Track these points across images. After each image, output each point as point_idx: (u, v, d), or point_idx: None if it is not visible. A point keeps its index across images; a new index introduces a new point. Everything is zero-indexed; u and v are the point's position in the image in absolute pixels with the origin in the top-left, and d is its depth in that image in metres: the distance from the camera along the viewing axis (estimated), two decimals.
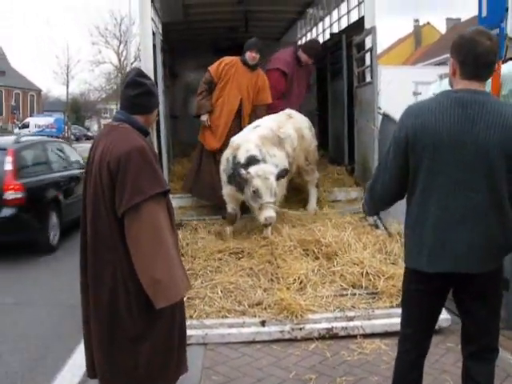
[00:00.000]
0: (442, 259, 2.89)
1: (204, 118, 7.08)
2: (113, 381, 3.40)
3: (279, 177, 5.98)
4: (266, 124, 6.67)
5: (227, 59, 7.15)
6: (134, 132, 3.34)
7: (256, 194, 5.81)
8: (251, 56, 7.03)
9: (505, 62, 6.22)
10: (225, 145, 6.72)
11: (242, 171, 5.86)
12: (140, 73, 3.49)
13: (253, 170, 5.86)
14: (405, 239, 3.13)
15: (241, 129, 6.90)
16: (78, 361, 4.61)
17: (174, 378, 3.57)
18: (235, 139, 6.35)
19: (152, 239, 3.15)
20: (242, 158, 6.04)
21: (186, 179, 7.40)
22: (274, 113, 7.09)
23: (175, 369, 3.53)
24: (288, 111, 7.12)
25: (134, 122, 3.38)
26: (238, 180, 5.98)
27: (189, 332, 4.75)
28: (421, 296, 3.07)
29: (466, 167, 2.82)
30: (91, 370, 3.51)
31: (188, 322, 4.85)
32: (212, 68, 7.11)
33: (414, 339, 3.23)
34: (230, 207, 6.51)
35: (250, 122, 6.98)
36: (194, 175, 7.20)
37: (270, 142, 6.38)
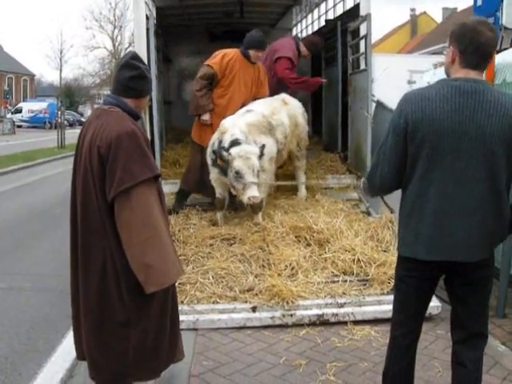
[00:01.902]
0: (441, 247, 2.89)
1: (206, 117, 6.84)
2: (102, 365, 3.38)
3: (261, 155, 5.92)
4: (259, 109, 6.60)
5: (229, 53, 6.90)
6: (124, 116, 3.29)
7: (238, 174, 5.76)
8: (256, 56, 6.89)
9: (499, 52, 6.22)
10: None
11: (224, 153, 5.83)
12: (135, 56, 3.43)
13: (234, 150, 5.82)
14: (399, 227, 3.10)
15: None
16: (68, 346, 4.57)
17: (166, 363, 3.56)
18: (224, 122, 6.27)
19: (143, 224, 3.11)
20: (226, 142, 6.00)
21: (187, 179, 7.12)
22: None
23: (167, 354, 3.51)
24: (283, 96, 7.08)
25: (124, 106, 3.33)
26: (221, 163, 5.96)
27: (180, 317, 4.78)
28: (414, 282, 3.08)
29: (465, 156, 2.81)
30: (80, 351, 3.51)
31: (179, 308, 4.84)
32: (214, 63, 6.83)
33: (406, 324, 3.24)
34: (218, 192, 6.48)
35: None
36: (198, 176, 6.94)
37: (258, 129, 6.30)
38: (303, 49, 8.05)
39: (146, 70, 3.43)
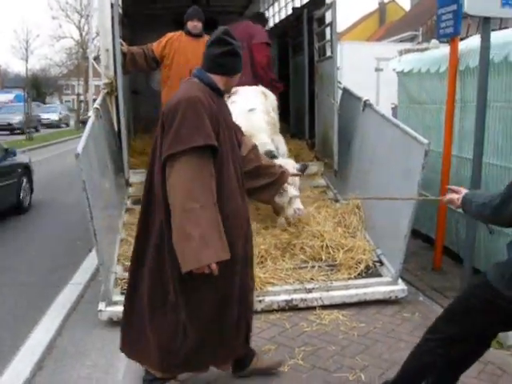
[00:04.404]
0: None
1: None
2: (152, 346, 3.36)
3: (302, 171, 5.78)
4: (260, 107, 6.36)
5: (169, 34, 7.02)
6: (197, 85, 3.25)
7: (283, 189, 5.43)
8: (192, 25, 6.94)
9: (463, 39, 6.30)
10: None
11: None
12: (227, 31, 3.32)
13: None
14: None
15: None
16: (37, 340, 4.60)
17: (202, 366, 3.50)
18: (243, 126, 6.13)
19: (186, 193, 3.00)
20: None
21: None
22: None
23: (209, 357, 3.43)
24: (262, 89, 6.88)
25: (206, 79, 3.28)
26: None
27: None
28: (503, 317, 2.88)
29: None
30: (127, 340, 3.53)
31: None
32: (154, 46, 6.95)
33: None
34: None
35: None
36: None
37: (273, 128, 6.32)
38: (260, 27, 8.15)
39: (238, 47, 3.33)
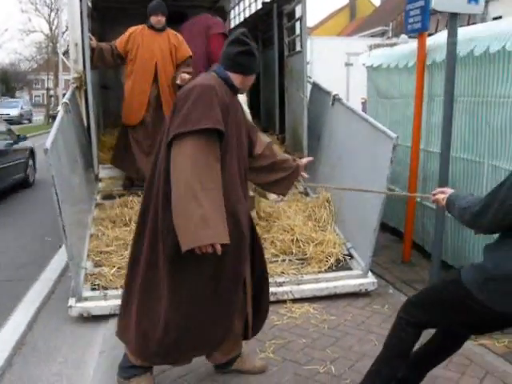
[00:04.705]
0: None
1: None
2: (130, 333, 3.38)
3: None
4: (244, 99, 6.31)
5: (132, 28, 6.91)
6: (216, 78, 3.30)
7: None
8: (156, 20, 6.84)
9: (430, 35, 6.38)
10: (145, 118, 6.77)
11: None
12: (245, 33, 3.40)
13: None
14: (499, 282, 2.71)
15: (159, 96, 6.80)
16: (6, 336, 4.55)
17: (182, 358, 3.48)
18: None
19: (191, 172, 2.97)
20: None
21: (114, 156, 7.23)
22: None
23: (191, 347, 3.40)
24: None
25: (223, 74, 3.34)
26: None
27: (120, 301, 4.78)
28: (473, 317, 2.90)
29: None
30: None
31: (118, 292, 4.87)
32: (117, 42, 6.86)
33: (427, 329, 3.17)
34: None
35: (173, 83, 6.84)
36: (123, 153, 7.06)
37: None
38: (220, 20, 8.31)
39: (255, 48, 3.40)
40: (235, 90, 3.41)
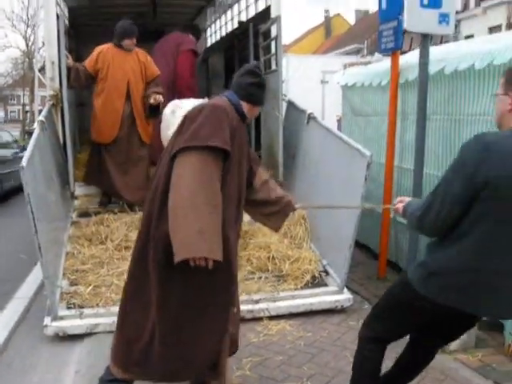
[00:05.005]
0: (493, 305, 2.76)
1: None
2: (116, 344, 3.41)
3: None
4: None
5: (99, 48, 6.94)
6: (227, 103, 3.36)
7: None
8: (130, 43, 6.90)
9: (403, 53, 6.50)
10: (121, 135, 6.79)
11: None
12: (258, 65, 3.64)
13: None
14: (440, 276, 2.78)
15: (132, 113, 6.85)
16: None
17: (167, 373, 3.39)
18: None
19: (194, 186, 2.98)
20: None
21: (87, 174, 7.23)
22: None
23: (174, 363, 3.32)
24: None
25: (233, 99, 3.42)
26: None
27: (96, 320, 4.81)
28: (423, 315, 3.00)
29: None
30: None
31: (94, 310, 4.88)
32: (86, 63, 6.88)
33: (389, 343, 3.18)
34: None
35: (145, 103, 6.91)
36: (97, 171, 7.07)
37: None
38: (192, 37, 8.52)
39: (265, 81, 3.59)
40: (244, 118, 3.50)
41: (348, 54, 34.47)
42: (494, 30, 28.15)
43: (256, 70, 3.54)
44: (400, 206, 3.17)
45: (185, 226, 2.95)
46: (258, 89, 3.52)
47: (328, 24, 55.22)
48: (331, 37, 52.71)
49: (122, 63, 6.86)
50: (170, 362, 3.31)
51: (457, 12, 31.14)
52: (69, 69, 6.68)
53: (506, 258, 2.68)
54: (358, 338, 3.25)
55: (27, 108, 44.16)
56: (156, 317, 3.24)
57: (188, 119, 3.22)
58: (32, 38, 45.08)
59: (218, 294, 3.29)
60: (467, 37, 28.50)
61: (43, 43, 8.56)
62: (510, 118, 2.70)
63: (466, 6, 31.76)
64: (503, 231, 2.64)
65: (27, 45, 47.01)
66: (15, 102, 68.88)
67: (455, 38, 27.92)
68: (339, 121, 11.02)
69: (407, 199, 3.18)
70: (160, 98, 6.74)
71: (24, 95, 50.83)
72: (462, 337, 4.48)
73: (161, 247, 3.12)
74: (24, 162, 4.50)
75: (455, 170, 2.67)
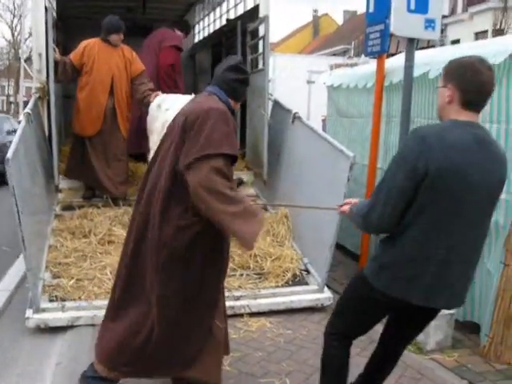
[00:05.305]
0: (439, 296, 2.85)
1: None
2: (103, 341, 3.48)
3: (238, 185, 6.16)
4: None
5: (85, 42, 7.00)
6: (220, 103, 3.37)
7: None
8: (118, 38, 7.00)
9: (391, 55, 6.57)
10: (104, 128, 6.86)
11: None
12: (241, 61, 3.63)
13: None
14: (389, 269, 2.86)
15: (114, 108, 6.94)
16: None
17: (150, 374, 3.52)
18: None
19: (222, 194, 3.08)
20: None
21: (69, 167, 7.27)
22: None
23: (160, 365, 3.43)
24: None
25: (222, 97, 3.44)
26: None
27: (78, 313, 4.83)
28: (379, 309, 3.10)
29: (482, 208, 2.79)
30: None
31: (76, 303, 4.91)
32: (71, 56, 6.93)
33: (353, 339, 3.25)
34: None
35: (128, 96, 7.06)
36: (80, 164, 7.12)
37: None
38: (180, 33, 8.60)
39: (248, 78, 3.64)
40: (232, 111, 3.53)
41: (335, 54, 34.62)
42: (480, 35, 28.43)
43: (241, 65, 3.56)
44: (346, 207, 3.23)
45: (235, 215, 3.08)
46: (243, 85, 3.57)
47: (316, 23, 55.35)
48: (319, 36, 52.84)
49: (107, 58, 6.93)
50: (164, 358, 3.40)
51: (444, 16, 31.45)
52: (56, 62, 6.69)
53: (451, 248, 2.75)
54: (323, 338, 3.28)
55: (11, 99, 43.79)
56: (157, 315, 3.30)
57: (192, 123, 3.20)
58: (18, 28, 44.90)
59: (210, 290, 3.41)
60: (453, 41, 28.79)
61: (30, 33, 8.55)
62: (449, 109, 2.79)
63: (453, 11, 32.04)
64: (447, 220, 2.72)
65: (13, 35, 46.79)
66: None
67: (442, 42, 28.20)
68: (324, 121, 11.09)
69: (355, 201, 3.24)
70: (159, 93, 6.93)
71: (9, 86, 50.46)
72: (438, 337, 4.62)
73: (165, 249, 3.22)
74: (9, 155, 4.51)
75: (397, 164, 2.75)
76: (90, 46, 6.94)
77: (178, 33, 8.54)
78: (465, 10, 31.01)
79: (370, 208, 2.87)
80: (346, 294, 3.23)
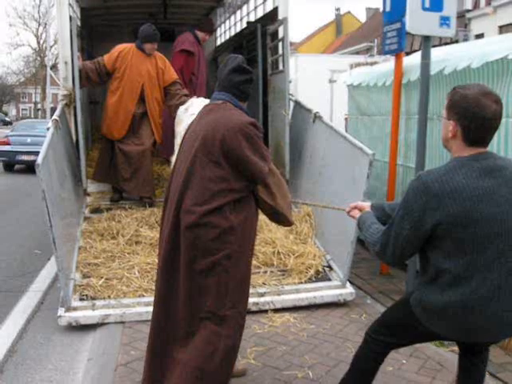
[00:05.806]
0: (492, 333, 2.79)
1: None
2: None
3: None
4: None
5: (121, 47, 7.13)
6: (238, 110, 3.49)
7: None
8: (151, 47, 7.09)
9: (408, 53, 6.64)
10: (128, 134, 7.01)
11: None
12: (244, 61, 3.59)
13: None
14: (444, 318, 2.75)
15: (146, 115, 7.09)
16: None
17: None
18: None
19: (285, 195, 3.67)
20: None
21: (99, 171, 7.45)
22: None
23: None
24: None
25: (237, 105, 3.52)
26: None
27: (107, 311, 4.98)
28: (426, 337, 3.10)
29: (507, 238, 2.64)
30: None
31: (106, 302, 5.07)
32: (105, 59, 7.07)
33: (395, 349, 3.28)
34: None
35: (160, 105, 7.19)
36: (108, 167, 7.32)
37: None
38: (199, 33, 8.57)
39: (253, 76, 3.67)
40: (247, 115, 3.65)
41: (358, 52, 34.51)
42: (504, 28, 28.13)
43: (243, 65, 3.54)
44: (356, 213, 3.31)
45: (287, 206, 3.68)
46: (250, 85, 3.59)
47: (339, 22, 55.16)
48: (342, 35, 52.68)
49: (139, 65, 7.06)
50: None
51: (467, 11, 31.22)
52: (79, 70, 6.87)
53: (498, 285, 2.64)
54: (363, 337, 3.30)
55: (39, 106, 44.44)
56: (226, 331, 3.46)
57: (233, 139, 3.31)
58: (43, 36, 45.53)
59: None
60: (477, 36, 28.52)
61: (55, 41, 8.77)
62: (453, 143, 2.71)
63: (476, 5, 31.71)
64: (487, 259, 2.62)
65: (38, 43, 47.48)
66: (26, 99, 69.40)
67: (465, 37, 27.98)
68: (347, 120, 11.15)
69: (365, 206, 3.31)
70: (194, 98, 6.98)
71: (36, 93, 51.19)
72: None
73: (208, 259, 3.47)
74: (39, 160, 4.68)
75: (404, 211, 2.70)
76: (124, 51, 7.07)
77: (198, 33, 8.55)
78: (488, 3, 30.70)
79: (381, 249, 2.84)
80: (392, 313, 3.21)
